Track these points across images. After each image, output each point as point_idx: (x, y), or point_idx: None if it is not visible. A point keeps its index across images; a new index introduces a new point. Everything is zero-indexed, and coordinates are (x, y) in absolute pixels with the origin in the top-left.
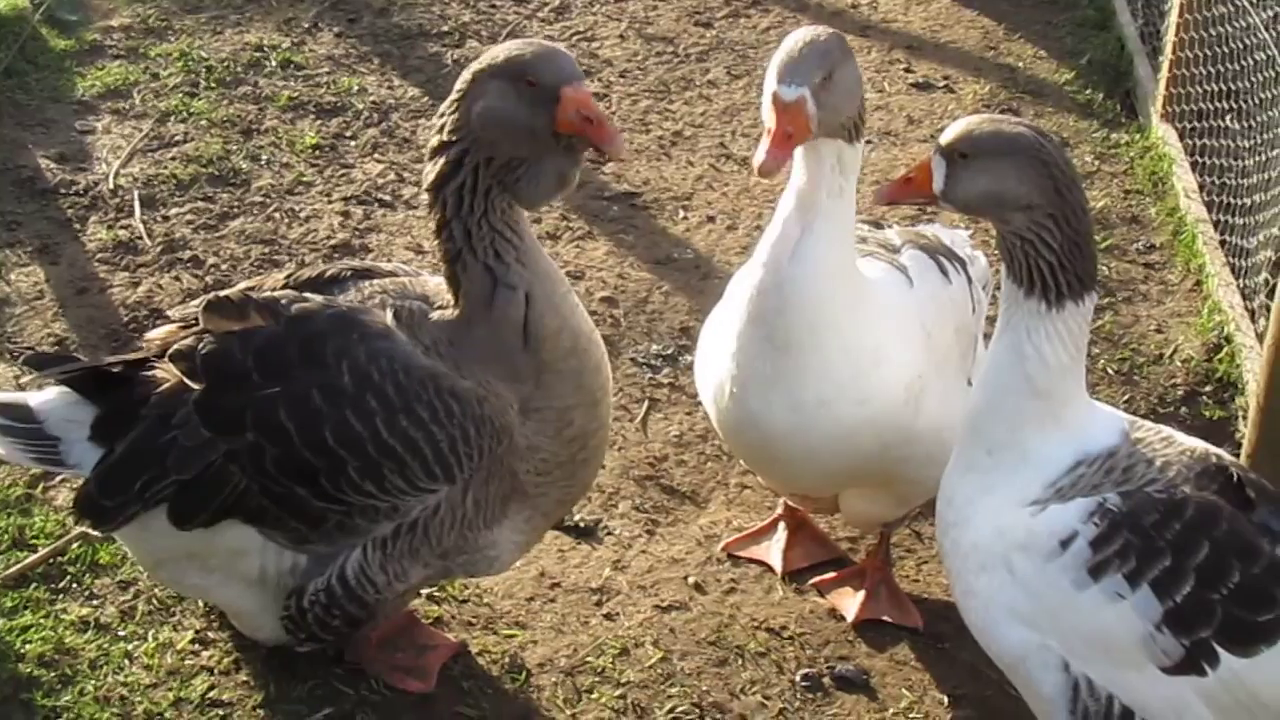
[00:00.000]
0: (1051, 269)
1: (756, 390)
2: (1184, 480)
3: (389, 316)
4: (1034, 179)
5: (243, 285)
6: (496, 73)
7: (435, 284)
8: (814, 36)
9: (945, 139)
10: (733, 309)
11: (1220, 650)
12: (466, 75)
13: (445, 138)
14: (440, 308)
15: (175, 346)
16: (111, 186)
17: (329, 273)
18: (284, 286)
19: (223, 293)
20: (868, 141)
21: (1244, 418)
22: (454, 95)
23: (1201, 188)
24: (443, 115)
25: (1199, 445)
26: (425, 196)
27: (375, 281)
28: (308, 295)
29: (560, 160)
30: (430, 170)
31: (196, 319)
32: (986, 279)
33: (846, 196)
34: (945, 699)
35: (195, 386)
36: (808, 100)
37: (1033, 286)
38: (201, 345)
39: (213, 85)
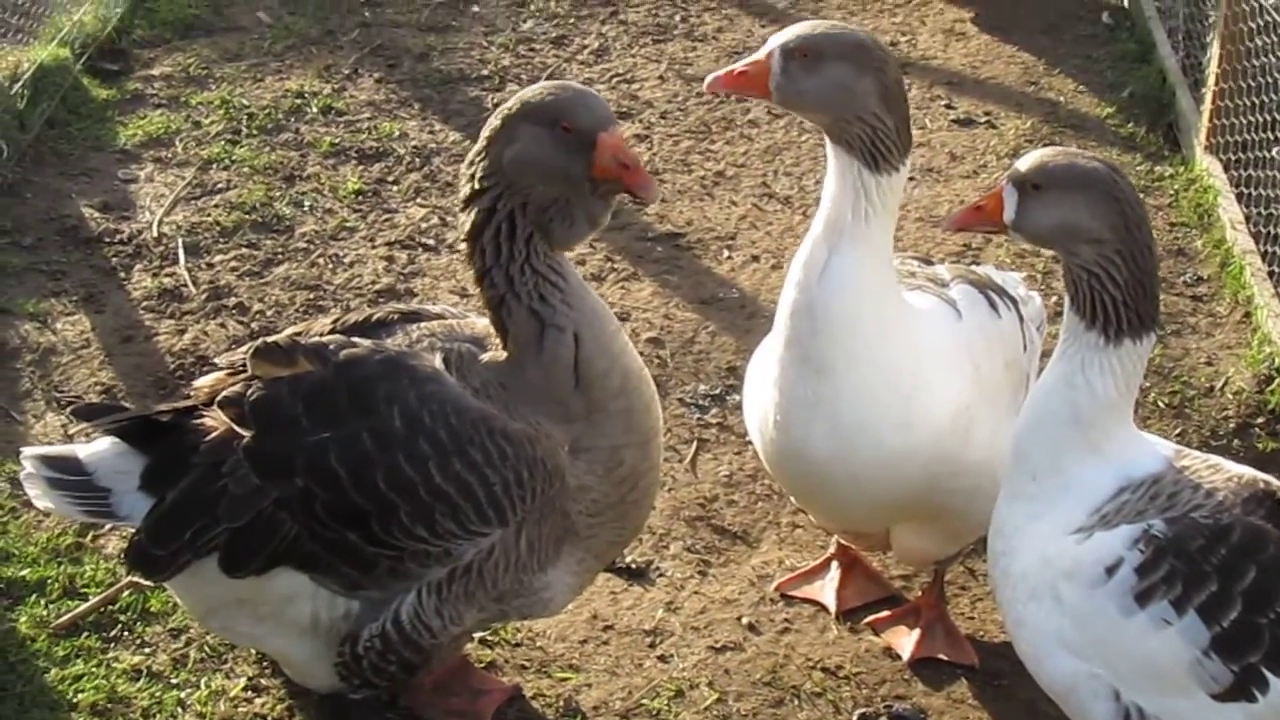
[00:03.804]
0: (1115, 304)
1: (799, 416)
2: (1230, 505)
3: (438, 360)
4: (1105, 214)
5: (290, 331)
6: (529, 117)
7: (483, 325)
8: (837, 26)
9: (1020, 169)
10: (774, 335)
11: (1270, 675)
12: (495, 120)
13: (477, 185)
14: (489, 350)
15: (224, 393)
16: (155, 234)
17: (376, 316)
18: (331, 331)
19: (270, 339)
20: (910, 178)
21: None
22: (483, 140)
23: (1248, 219)
24: (473, 162)
25: (1247, 472)
26: (464, 247)
27: (423, 324)
28: (356, 340)
29: (592, 203)
30: (465, 220)
31: (244, 365)
32: (1041, 320)
33: (874, 223)
34: None
35: (244, 433)
36: (774, 57)
37: (1094, 319)
38: (250, 392)
39: (254, 132)
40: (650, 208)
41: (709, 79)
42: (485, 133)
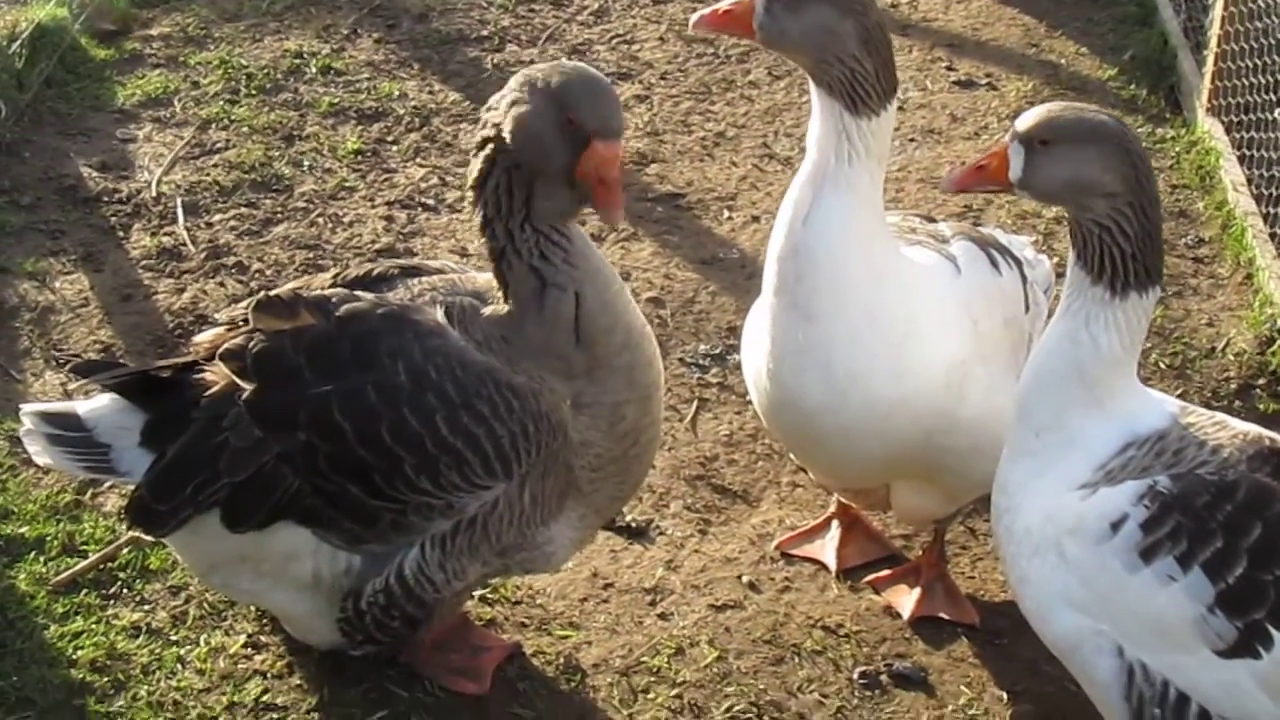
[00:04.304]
0: (1124, 257)
1: (791, 365)
2: (1236, 462)
3: (440, 313)
4: (1118, 167)
5: (291, 285)
6: (548, 92)
7: (485, 280)
8: None
9: (1025, 126)
10: (765, 284)
11: (1274, 632)
12: (521, 78)
13: (485, 133)
14: (491, 304)
15: (225, 346)
16: (154, 194)
17: (376, 271)
18: (332, 286)
19: (273, 292)
20: (911, 139)
21: None
22: (502, 93)
23: (1249, 181)
24: (491, 107)
25: (1252, 429)
26: (470, 194)
27: (424, 279)
28: (358, 294)
29: (567, 195)
30: (473, 163)
31: (245, 320)
32: (1049, 284)
33: (859, 167)
34: (1004, 695)
35: (246, 386)
36: None
37: (1101, 273)
38: (252, 344)
39: (253, 92)
40: (651, 167)
41: (694, 18)
42: (509, 85)
